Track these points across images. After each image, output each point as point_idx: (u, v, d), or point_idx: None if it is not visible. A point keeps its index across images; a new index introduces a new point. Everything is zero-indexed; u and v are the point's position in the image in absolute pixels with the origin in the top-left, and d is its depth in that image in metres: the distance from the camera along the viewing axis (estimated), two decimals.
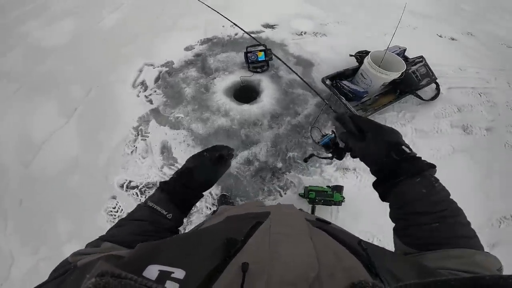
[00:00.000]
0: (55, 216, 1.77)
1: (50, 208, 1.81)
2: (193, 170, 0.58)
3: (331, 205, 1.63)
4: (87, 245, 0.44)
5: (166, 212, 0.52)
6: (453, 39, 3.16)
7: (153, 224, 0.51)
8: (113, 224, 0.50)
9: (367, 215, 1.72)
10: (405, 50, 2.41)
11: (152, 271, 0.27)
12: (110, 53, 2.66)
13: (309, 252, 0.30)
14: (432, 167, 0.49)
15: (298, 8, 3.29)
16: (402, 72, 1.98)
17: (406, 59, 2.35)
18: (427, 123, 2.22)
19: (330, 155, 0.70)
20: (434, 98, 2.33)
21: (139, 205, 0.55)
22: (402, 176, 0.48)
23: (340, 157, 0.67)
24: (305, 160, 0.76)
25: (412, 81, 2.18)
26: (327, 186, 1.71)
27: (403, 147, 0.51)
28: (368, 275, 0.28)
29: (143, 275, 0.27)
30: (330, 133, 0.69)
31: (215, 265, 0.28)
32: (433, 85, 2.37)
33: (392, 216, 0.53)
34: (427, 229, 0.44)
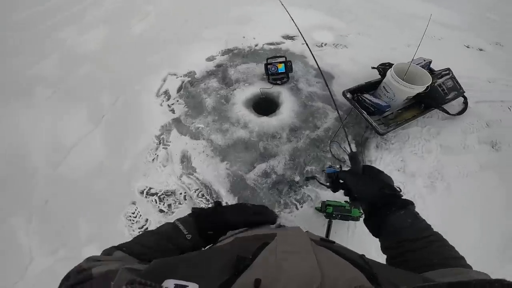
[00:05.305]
0: (77, 218, 1.84)
1: (74, 210, 1.88)
2: (228, 216, 0.60)
3: (348, 220, 1.61)
4: (103, 252, 0.49)
5: (187, 232, 0.56)
6: (481, 49, 3.03)
7: (170, 240, 0.54)
8: (131, 229, 0.55)
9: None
10: (430, 62, 2.32)
11: (168, 285, 0.29)
12: (137, 62, 2.78)
13: (313, 265, 0.32)
14: (413, 203, 0.62)
15: (319, 19, 3.27)
16: (428, 86, 1.92)
17: (431, 71, 2.26)
18: (453, 139, 2.14)
19: (327, 184, 0.81)
20: (461, 112, 2.23)
21: (167, 222, 0.60)
22: (392, 208, 0.59)
23: (335, 190, 0.77)
24: (306, 179, 0.98)
25: (438, 95, 2.10)
26: (345, 201, 1.69)
27: (395, 186, 0.65)
28: (370, 284, 0.30)
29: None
30: (338, 167, 0.81)
31: (225, 279, 0.31)
32: (460, 99, 2.27)
33: (385, 246, 0.61)
34: (420, 253, 0.52)
